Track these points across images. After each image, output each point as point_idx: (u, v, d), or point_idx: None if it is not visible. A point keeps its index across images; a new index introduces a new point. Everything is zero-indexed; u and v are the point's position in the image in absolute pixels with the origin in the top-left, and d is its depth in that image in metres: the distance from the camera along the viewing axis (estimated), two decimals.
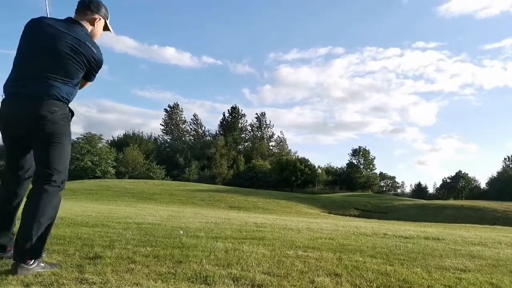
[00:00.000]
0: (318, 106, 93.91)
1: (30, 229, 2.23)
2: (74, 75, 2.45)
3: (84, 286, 2.05)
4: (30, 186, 2.47)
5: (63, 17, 2.56)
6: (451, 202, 34.24)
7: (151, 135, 62.13)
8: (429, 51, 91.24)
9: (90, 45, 2.48)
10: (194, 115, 66.66)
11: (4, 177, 2.54)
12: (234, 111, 65.57)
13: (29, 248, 2.22)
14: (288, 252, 3.33)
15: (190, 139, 64.60)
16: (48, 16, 2.58)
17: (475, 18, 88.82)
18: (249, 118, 67.26)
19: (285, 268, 2.68)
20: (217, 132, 63.98)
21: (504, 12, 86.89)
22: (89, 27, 2.57)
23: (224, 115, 65.72)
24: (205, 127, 66.34)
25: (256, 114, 67.38)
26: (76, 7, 2.58)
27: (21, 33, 2.46)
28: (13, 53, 2.46)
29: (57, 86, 2.38)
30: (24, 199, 2.43)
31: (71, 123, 2.54)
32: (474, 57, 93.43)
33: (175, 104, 65.30)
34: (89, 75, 2.59)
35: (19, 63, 2.43)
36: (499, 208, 25.52)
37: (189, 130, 65.65)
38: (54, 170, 2.38)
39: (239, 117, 65.53)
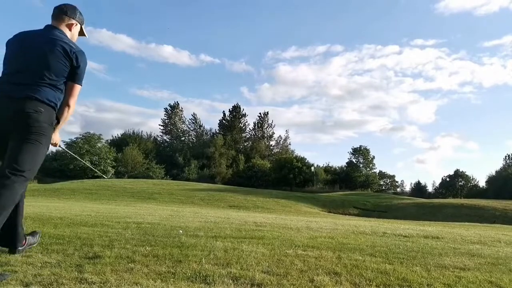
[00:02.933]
0: (317, 104, 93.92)
1: None
2: (59, 73, 2.53)
3: (83, 285, 2.05)
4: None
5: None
6: (451, 200, 34.28)
7: (150, 135, 62.20)
8: (428, 49, 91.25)
9: (68, 42, 2.60)
10: (193, 114, 66.67)
11: None
12: (235, 110, 65.40)
13: None
14: (287, 251, 3.33)
15: (189, 139, 64.53)
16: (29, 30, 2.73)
17: (474, 15, 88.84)
18: (249, 117, 67.20)
19: (285, 267, 2.68)
20: (216, 131, 63.88)
21: (503, 8, 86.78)
22: (67, 32, 2.70)
23: (224, 114, 65.64)
24: (204, 126, 66.34)
25: (260, 113, 67.27)
26: (52, 13, 2.69)
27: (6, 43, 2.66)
28: None
29: (44, 90, 2.48)
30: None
31: (54, 129, 2.62)
32: (473, 54, 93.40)
33: (175, 103, 65.21)
34: (74, 73, 2.60)
35: (8, 70, 2.57)
36: (498, 207, 25.58)
37: (188, 129, 65.62)
38: (23, 166, 2.37)
39: (240, 116, 65.36)
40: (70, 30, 2.73)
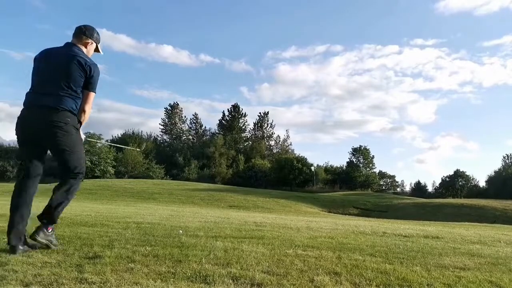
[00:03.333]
0: (317, 104, 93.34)
1: (58, 204, 2.93)
2: (78, 83, 2.97)
3: (83, 285, 2.05)
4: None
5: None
6: (451, 200, 34.27)
7: (150, 135, 62.13)
8: (428, 49, 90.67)
9: (83, 56, 3.05)
10: (194, 114, 66.48)
11: (19, 175, 2.97)
12: (235, 110, 65.24)
13: (52, 218, 2.93)
14: (287, 251, 3.33)
15: (189, 139, 64.49)
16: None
17: (474, 14, 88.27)
18: (248, 116, 67.05)
19: (285, 267, 2.68)
20: (216, 131, 63.81)
21: (504, 8, 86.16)
22: (83, 49, 3.14)
23: (224, 113, 65.51)
24: (204, 127, 66.26)
25: (259, 113, 67.08)
26: (73, 32, 3.17)
27: (33, 60, 3.08)
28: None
29: (68, 100, 2.92)
30: (35, 194, 2.99)
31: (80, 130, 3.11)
32: (473, 54, 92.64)
33: (175, 103, 65.07)
34: (88, 82, 3.02)
35: (36, 82, 3.01)
36: (498, 207, 25.59)
37: (189, 129, 65.55)
38: (76, 169, 3.02)
39: (240, 116, 65.24)
40: (86, 47, 3.16)
